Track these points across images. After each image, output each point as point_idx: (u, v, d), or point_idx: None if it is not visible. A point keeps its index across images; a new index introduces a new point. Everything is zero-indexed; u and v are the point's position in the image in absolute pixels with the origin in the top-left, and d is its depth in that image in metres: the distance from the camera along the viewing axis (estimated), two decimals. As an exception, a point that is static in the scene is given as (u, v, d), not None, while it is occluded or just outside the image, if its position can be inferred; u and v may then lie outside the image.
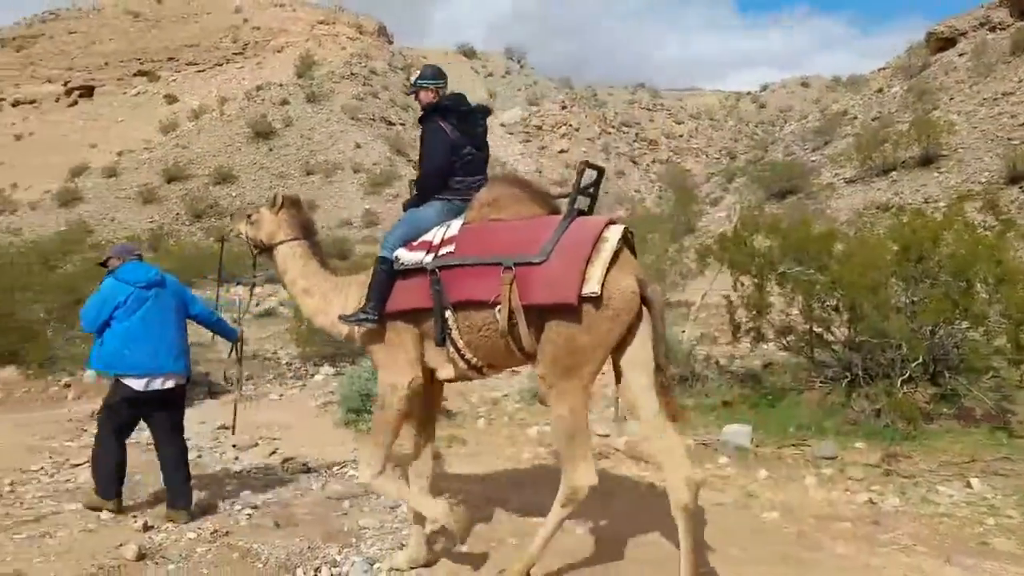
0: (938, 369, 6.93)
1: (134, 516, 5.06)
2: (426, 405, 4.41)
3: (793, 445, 6.53)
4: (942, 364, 6.92)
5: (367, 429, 7.08)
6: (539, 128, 59.73)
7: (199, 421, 7.61)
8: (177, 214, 37.03)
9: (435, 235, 4.14)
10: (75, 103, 70.09)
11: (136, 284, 5.12)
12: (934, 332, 6.85)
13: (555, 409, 3.81)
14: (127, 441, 5.24)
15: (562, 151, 58.03)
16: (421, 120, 4.52)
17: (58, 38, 76.98)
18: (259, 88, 51.18)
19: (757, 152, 37.46)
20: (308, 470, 6.27)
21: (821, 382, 7.30)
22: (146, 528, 4.86)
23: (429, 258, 4.06)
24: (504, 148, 55.97)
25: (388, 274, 4.18)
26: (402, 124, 47.37)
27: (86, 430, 7.37)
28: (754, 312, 7.48)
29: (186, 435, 6.32)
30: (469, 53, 72.42)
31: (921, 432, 6.43)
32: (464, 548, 4.60)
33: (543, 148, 58.19)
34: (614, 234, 3.77)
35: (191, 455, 6.44)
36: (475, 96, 61.40)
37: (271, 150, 42.36)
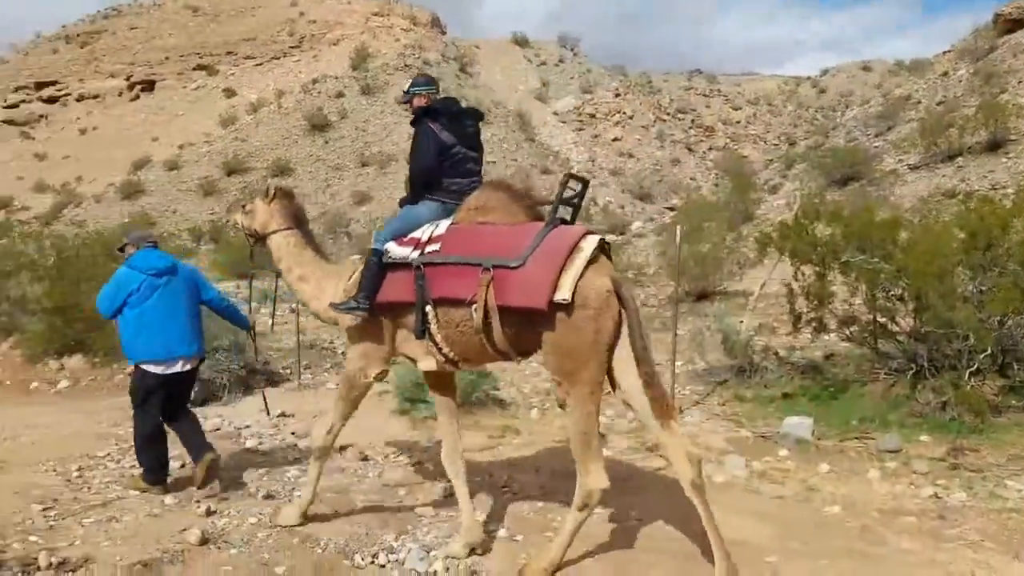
0: (1007, 360, 6.70)
1: (197, 502, 5.17)
2: (443, 392, 4.78)
3: (856, 438, 6.39)
4: (1011, 355, 6.69)
5: (422, 417, 7.14)
6: (592, 116, 59.26)
7: (259, 408, 7.74)
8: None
9: (424, 233, 4.33)
10: (137, 97, 71.89)
11: (148, 272, 5.30)
12: (1003, 322, 6.61)
13: (571, 413, 3.97)
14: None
15: (616, 139, 57.52)
16: (413, 123, 4.72)
17: (120, 34, 79.04)
18: (315, 81, 51.88)
19: (817, 138, 36.66)
20: (365, 458, 6.34)
21: (885, 374, 7.12)
22: (209, 513, 4.96)
23: (415, 254, 4.25)
24: (556, 137, 55.73)
25: (379, 266, 4.38)
26: (455, 114, 47.60)
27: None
28: (816, 302, 7.31)
29: (247, 423, 6.44)
30: (522, 42, 72.12)
31: (989, 425, 6.24)
32: (520, 538, 4.60)
33: (596, 137, 57.73)
34: (589, 244, 3.94)
35: (252, 442, 6.61)
36: (528, 85, 60.94)
37: (327, 142, 42.90)
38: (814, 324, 7.41)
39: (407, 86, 4.84)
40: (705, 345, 8.23)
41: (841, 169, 23.61)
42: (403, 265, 4.29)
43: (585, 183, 4.49)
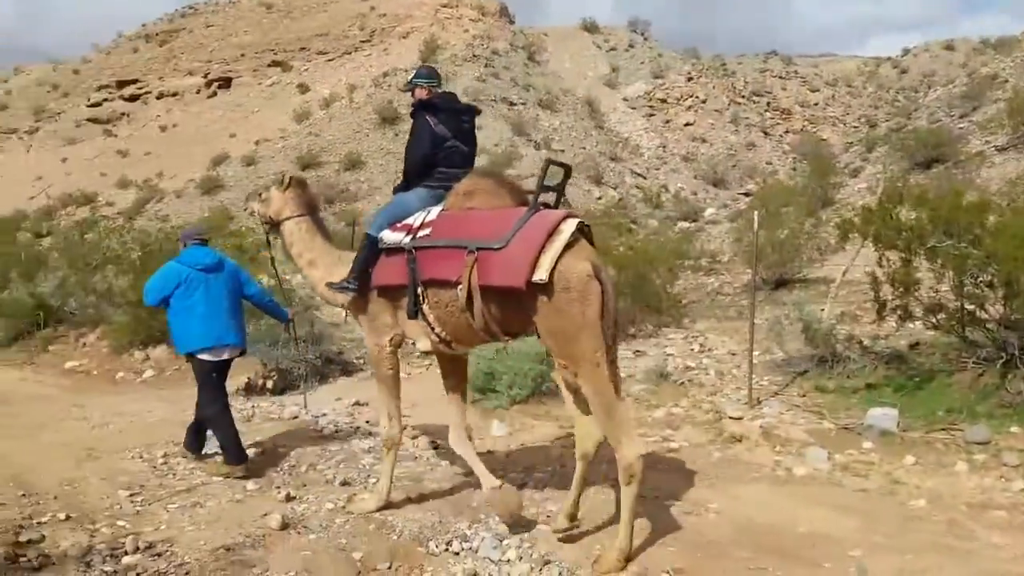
0: (1103, 349, 6.33)
1: (277, 488, 5.28)
2: (451, 376, 5.09)
3: (943, 429, 6.13)
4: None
5: (493, 407, 7.15)
6: (663, 101, 58.35)
7: (335, 398, 7.88)
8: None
9: (416, 219, 4.57)
10: (214, 94, 73.87)
11: (195, 267, 5.67)
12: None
13: (586, 392, 4.08)
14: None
15: (688, 124, 56.56)
16: (412, 115, 4.95)
17: (197, 32, 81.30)
18: (385, 74, 52.40)
19: (899, 120, 35.32)
20: (436, 446, 6.38)
21: (973, 363, 6.80)
22: (288, 499, 5.07)
23: (408, 239, 4.49)
24: (626, 124, 55.12)
25: (372, 251, 4.68)
26: (523, 104, 47.32)
27: (232, 405, 7.75)
28: (901, 289, 7.03)
29: (324, 411, 6.57)
30: (591, 28, 71.45)
31: (1085, 417, 5.90)
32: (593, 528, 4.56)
33: (668, 122, 56.84)
34: (568, 227, 4.09)
35: (329, 430, 6.73)
36: (597, 72, 60.24)
37: (397, 135, 43.27)
38: (899, 312, 7.13)
39: (411, 76, 5.06)
40: (784, 334, 8.01)
41: (924, 151, 22.68)
42: (397, 250, 4.54)
43: (568, 169, 4.70)
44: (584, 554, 4.25)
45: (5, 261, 15.55)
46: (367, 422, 7.09)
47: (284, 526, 4.58)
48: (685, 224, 26.32)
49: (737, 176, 49.05)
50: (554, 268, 3.97)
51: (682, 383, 7.72)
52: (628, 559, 4.03)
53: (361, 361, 9.43)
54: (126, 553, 4.24)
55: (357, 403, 7.67)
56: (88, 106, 76.87)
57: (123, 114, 75.54)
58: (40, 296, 11.82)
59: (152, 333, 10.06)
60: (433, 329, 4.51)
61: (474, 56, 52.96)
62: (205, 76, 75.67)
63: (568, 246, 4.03)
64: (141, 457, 6.06)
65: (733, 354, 8.57)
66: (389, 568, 4.14)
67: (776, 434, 6.23)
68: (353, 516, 4.77)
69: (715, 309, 11.22)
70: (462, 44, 57.22)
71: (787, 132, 60.88)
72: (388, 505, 4.89)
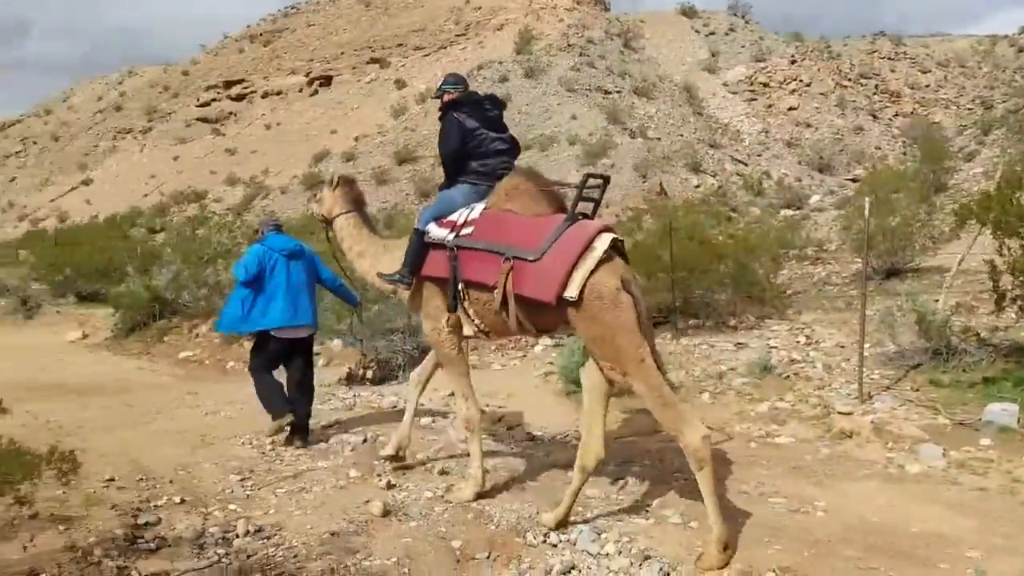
0: None
1: (378, 476, 5.39)
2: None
3: (1070, 428, 5.73)
4: None
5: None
6: (765, 86, 56.55)
7: (432, 388, 7.96)
8: (407, 194, 39.06)
9: (460, 216, 4.76)
10: (316, 92, 75.94)
11: (281, 251, 6.23)
12: None
13: (639, 391, 4.15)
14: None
15: (791, 108, 54.67)
16: (440, 118, 5.23)
17: (299, 31, 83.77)
18: (480, 67, 52.71)
19: (1017, 100, 33.23)
20: (532, 438, 6.38)
21: (1105, 357, 6.34)
22: (389, 486, 5.16)
23: (451, 236, 4.70)
24: (726, 109, 53.74)
25: (420, 244, 4.89)
26: (618, 92, 46.74)
27: (335, 395, 7.96)
28: (1022, 278, 6.61)
29: (421, 401, 6.70)
30: (689, 12, 69.90)
31: None
32: (695, 525, 4.46)
33: (770, 106, 55.06)
34: (602, 243, 4.17)
35: (427, 420, 6.82)
36: (696, 56, 58.66)
37: (491, 128, 43.62)
38: (1020, 302, 6.70)
39: (439, 84, 5.31)
40: (896, 326, 7.63)
41: (1047, 132, 21.30)
42: (442, 245, 4.75)
43: (606, 180, 4.79)
44: (685, 549, 4.16)
45: (122, 256, 16.42)
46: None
47: (385, 513, 4.67)
48: (789, 212, 25.49)
49: (844, 161, 47.13)
50: (585, 284, 4.09)
51: (787, 376, 7.47)
52: (726, 546, 3.96)
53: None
54: (237, 536, 4.40)
55: (452, 394, 7.73)
56: (197, 106, 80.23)
57: (230, 113, 78.53)
58: (155, 289, 12.39)
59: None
60: (472, 321, 4.74)
61: (568, 45, 52.66)
62: (307, 75, 77.85)
63: (601, 262, 4.13)
64: (250, 443, 6.29)
65: (841, 347, 8.23)
66: (487, 558, 4.16)
67: (888, 430, 5.95)
68: (452, 505, 4.82)
69: (822, 300, 10.80)
70: (556, 34, 57.00)
71: (896, 115, 58.13)
72: (484, 494, 4.92)
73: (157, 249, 17.62)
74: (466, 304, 4.69)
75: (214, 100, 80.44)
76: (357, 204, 5.72)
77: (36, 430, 6.17)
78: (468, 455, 5.43)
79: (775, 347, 8.40)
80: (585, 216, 4.53)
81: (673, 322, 9.39)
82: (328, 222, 5.73)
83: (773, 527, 4.38)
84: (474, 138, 4.98)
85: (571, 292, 4.09)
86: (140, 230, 33.65)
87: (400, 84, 66.63)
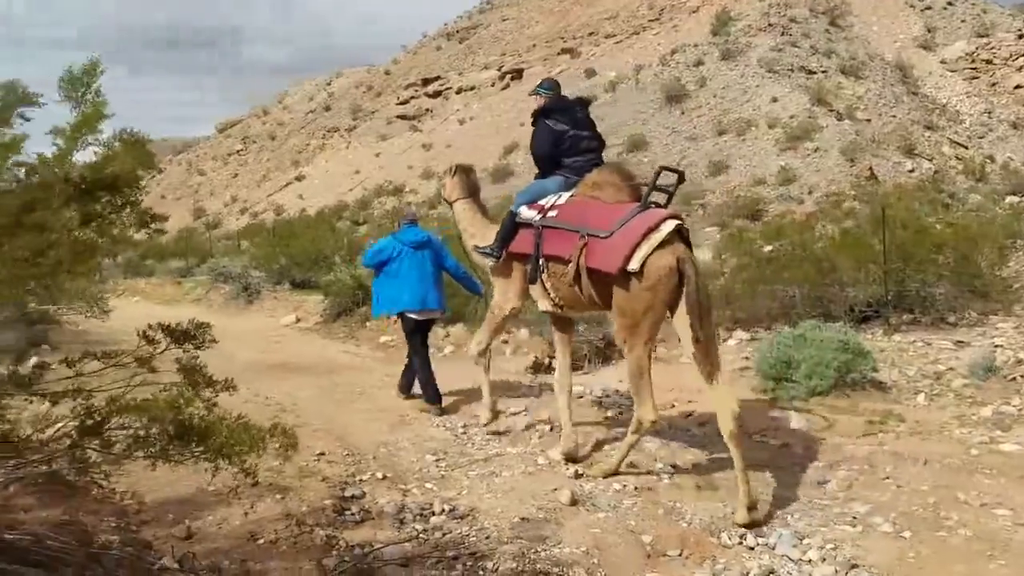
0: None
1: (567, 465, 5.41)
2: (562, 330, 5.91)
3: None
4: None
5: (788, 397, 6.74)
6: (988, 63, 51.37)
7: (619, 380, 7.87)
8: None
9: (548, 201, 5.45)
10: (507, 86, 77.46)
11: (408, 243, 7.00)
12: None
13: (628, 358, 4.92)
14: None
15: (1018, 87, 49.31)
16: (533, 122, 5.86)
17: (494, 26, 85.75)
18: (673, 52, 51.60)
19: None
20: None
21: None
22: (577, 476, 5.17)
23: (538, 217, 5.40)
24: (944, 88, 49.36)
25: (512, 224, 5.63)
26: (823, 72, 44.10)
27: (522, 383, 8.09)
28: None
29: (607, 392, 6.69)
30: (900, -13, 64.96)
31: None
32: (907, 535, 4.12)
33: (994, 85, 49.99)
34: (666, 227, 4.75)
35: (613, 412, 6.82)
36: (910, 32, 54.22)
37: (683, 113, 42.53)
38: None
39: (537, 86, 5.96)
40: None
41: None
42: (529, 225, 5.46)
43: (681, 174, 5.30)
44: (896, 560, 3.87)
45: (330, 247, 17.55)
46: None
47: (574, 502, 4.68)
48: (1015, 199, 23.09)
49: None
50: (645, 261, 4.66)
51: (1014, 378, 6.75)
52: (613, 474, 5.05)
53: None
54: (433, 514, 4.57)
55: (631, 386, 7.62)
56: (397, 104, 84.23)
57: (427, 110, 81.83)
58: (359, 277, 13.05)
59: (453, 313, 10.75)
60: (549, 294, 5.43)
61: (769, 25, 50.32)
62: (499, 69, 79.64)
63: (662, 244, 4.69)
64: (444, 426, 6.52)
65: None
66: (679, 555, 4.06)
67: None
68: (641, 500, 4.75)
69: (1055, 295, 9.67)
70: (756, 14, 54.60)
71: None
72: (676, 490, 4.82)
73: (360, 240, 18.66)
74: (544, 277, 5.37)
75: (412, 98, 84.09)
76: (472, 191, 6.53)
77: (259, 406, 6.71)
78: (652, 449, 5.36)
79: (1000, 346, 7.61)
80: (658, 206, 5.08)
81: (885, 317, 8.75)
82: (450, 205, 6.63)
83: (996, 541, 4.00)
84: (565, 140, 5.62)
85: (633, 265, 4.68)
86: (346, 222, 35.85)
87: (590, 73, 66.56)
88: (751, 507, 4.38)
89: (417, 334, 7.05)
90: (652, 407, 4.84)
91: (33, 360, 3.43)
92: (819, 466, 5.27)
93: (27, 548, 3.06)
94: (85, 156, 2.86)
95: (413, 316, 6.94)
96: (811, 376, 6.65)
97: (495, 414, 6.44)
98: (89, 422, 2.79)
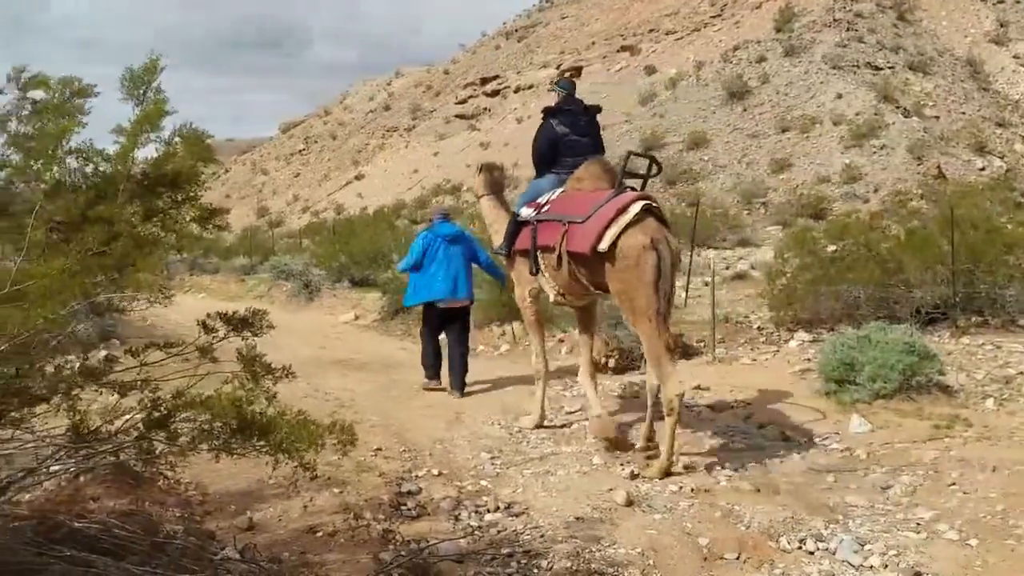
0: None
1: (622, 465, 5.37)
2: (584, 327, 6.35)
3: None
4: None
5: (852, 400, 6.58)
6: (1065, 56, 49.44)
7: (678, 380, 7.80)
8: (652, 181, 38.75)
9: (544, 198, 5.86)
10: (566, 84, 77.22)
11: (443, 237, 7.58)
12: None
13: (641, 339, 5.31)
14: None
15: (1097, 81, 47.39)
16: (542, 119, 6.27)
17: (553, 24, 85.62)
18: (735, 48, 50.79)
19: None
20: (786, 438, 6.03)
21: None
22: (633, 477, 5.13)
23: (534, 214, 5.80)
24: (1018, 84, 47.49)
25: (515, 224, 6.07)
26: (890, 68, 42.90)
27: (577, 381, 8.04)
28: None
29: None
30: (975, -22, 62.76)
31: None
32: (973, 543, 3.99)
33: (1074, 79, 48.08)
34: (635, 207, 5.07)
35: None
36: (982, 27, 52.47)
37: (745, 110, 41.83)
38: None
39: (555, 82, 6.59)
40: None
41: None
42: (527, 222, 5.86)
43: (651, 159, 5.91)
44: (962, 569, 3.75)
45: (389, 245, 17.75)
46: (709, 407, 6.93)
47: (629, 503, 4.64)
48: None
49: None
50: (617, 240, 5.01)
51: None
52: (668, 471, 5.04)
53: (702, 345, 9.25)
54: (488, 511, 4.59)
55: (698, 387, 7.53)
56: (456, 103, 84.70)
57: (485, 109, 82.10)
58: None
59: (508, 311, 10.77)
60: (550, 284, 5.77)
61: (834, 20, 49.18)
62: (558, 67, 79.44)
63: (633, 223, 5.01)
64: (499, 424, 6.54)
65: None
66: (737, 558, 3.99)
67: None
68: (698, 502, 4.69)
69: None
70: (821, 9, 53.40)
71: None
72: (735, 493, 4.74)
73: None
74: (543, 266, 5.75)
75: (471, 97, 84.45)
76: (496, 188, 6.95)
77: (318, 401, 6.84)
78: (711, 448, 5.30)
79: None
80: (633, 190, 5.44)
81: (953, 319, 8.49)
82: (478, 200, 7.18)
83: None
84: (563, 142, 6.05)
85: (603, 245, 5.04)
86: (404, 221, 36.20)
87: (650, 70, 66.00)
88: (666, 470, 5.05)
89: (440, 322, 7.72)
90: (676, 381, 5.03)
91: (103, 352, 3.55)
92: (882, 471, 5.14)
93: (95, 536, 3.16)
94: (147, 153, 2.95)
95: (442, 305, 7.57)
96: (875, 379, 6.49)
97: (540, 423, 6.39)
98: (156, 414, 2.87)
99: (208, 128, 3.00)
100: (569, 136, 6.05)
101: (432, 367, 7.76)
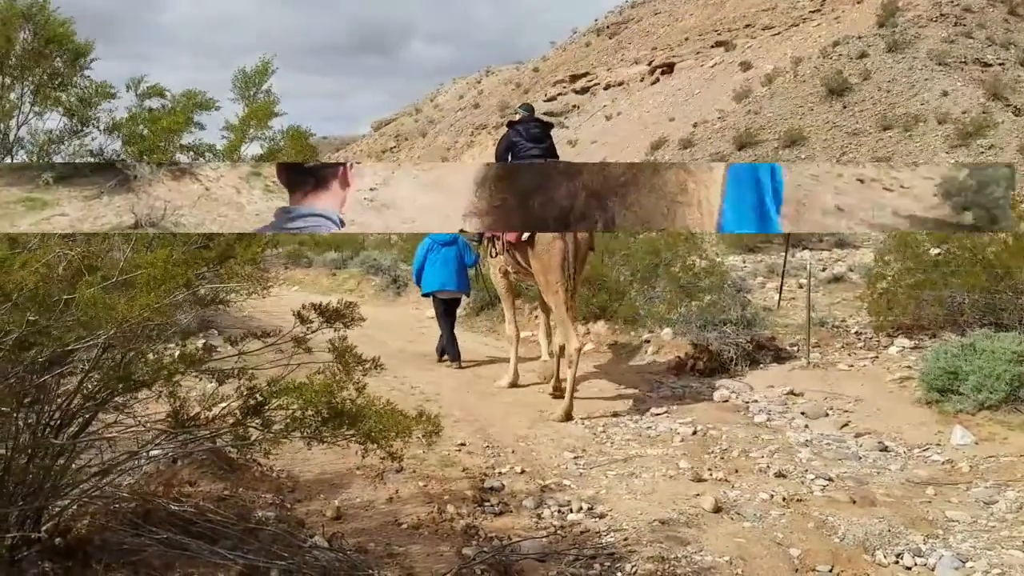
0: None
1: (709, 470, 5.26)
2: (545, 312, 8.19)
3: None
4: None
5: (955, 411, 6.28)
6: None
7: (767, 385, 7.61)
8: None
9: None
10: (656, 81, 76.26)
11: (439, 242, 8.92)
12: None
13: (552, 308, 7.04)
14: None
15: None
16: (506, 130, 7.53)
17: (645, 20, 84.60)
18: (835, 44, 49.10)
19: None
20: (884, 448, 5.80)
21: None
22: (698, 480, 5.04)
23: None
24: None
25: None
26: (1001, 64, 40.77)
27: (662, 383, 7.93)
28: None
29: (755, 397, 6.45)
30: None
31: None
32: None
33: None
34: None
35: (761, 418, 6.59)
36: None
37: (845, 107, 40.39)
38: None
39: (517, 107, 8.26)
40: None
41: None
42: None
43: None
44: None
45: (475, 243, 17.85)
46: (803, 413, 6.72)
47: (717, 509, 4.54)
48: None
49: None
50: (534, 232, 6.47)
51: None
52: (569, 416, 6.51)
53: (795, 349, 8.98)
54: (571, 511, 4.56)
55: (791, 392, 7.31)
56: (545, 100, 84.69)
57: (574, 106, 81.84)
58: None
59: (593, 310, 10.70)
60: (509, 265, 7.47)
61: (941, 15, 47.10)
62: (649, 63, 78.59)
63: None
64: (583, 423, 6.50)
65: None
66: (830, 571, 3.85)
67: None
68: (789, 511, 4.55)
69: None
70: (927, 3, 51.19)
71: None
72: (831, 505, 4.57)
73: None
74: (499, 249, 7.41)
75: (560, 94, 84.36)
76: None
77: (404, 394, 6.93)
78: (804, 459, 5.15)
79: None
80: None
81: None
82: None
83: None
84: (516, 148, 7.16)
85: (524, 235, 6.62)
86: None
87: (745, 66, 64.53)
88: (568, 412, 6.52)
89: (440, 309, 9.07)
90: (576, 338, 6.62)
91: (201, 341, 3.68)
92: (986, 485, 4.88)
93: (191, 520, 3.28)
94: (254, 150, 3.04)
95: (441, 296, 9.01)
96: (980, 389, 6.16)
97: (514, 382, 7.78)
98: (252, 402, 2.95)
99: (307, 126, 3.07)
100: (521, 143, 7.19)
101: (454, 348, 9.04)
